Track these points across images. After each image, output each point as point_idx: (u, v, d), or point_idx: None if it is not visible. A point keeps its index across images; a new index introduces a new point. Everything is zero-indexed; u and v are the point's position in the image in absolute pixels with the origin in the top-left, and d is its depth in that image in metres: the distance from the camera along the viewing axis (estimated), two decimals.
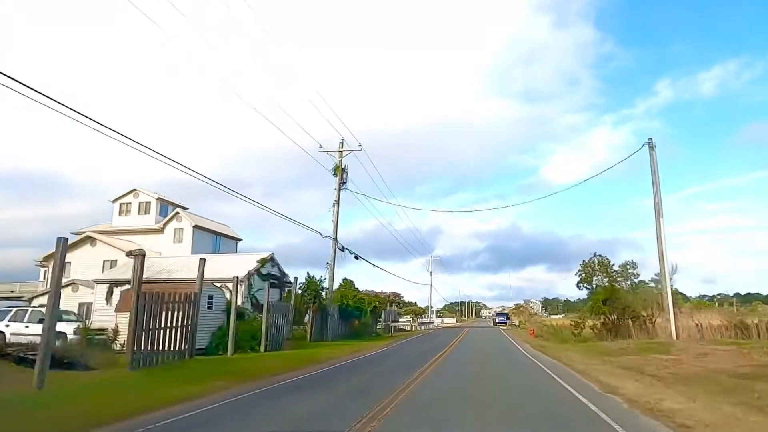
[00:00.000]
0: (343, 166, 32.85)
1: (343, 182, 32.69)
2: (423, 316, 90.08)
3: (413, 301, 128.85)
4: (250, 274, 26.94)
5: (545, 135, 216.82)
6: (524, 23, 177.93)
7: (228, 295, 26.05)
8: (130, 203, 49.40)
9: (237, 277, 20.86)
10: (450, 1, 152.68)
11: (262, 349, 22.69)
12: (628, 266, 29.01)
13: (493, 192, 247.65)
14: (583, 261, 29.94)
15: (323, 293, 29.77)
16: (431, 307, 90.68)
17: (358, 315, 37.80)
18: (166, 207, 47.82)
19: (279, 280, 30.19)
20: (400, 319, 71.84)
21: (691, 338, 26.04)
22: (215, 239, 47.68)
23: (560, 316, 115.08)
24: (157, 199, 48.33)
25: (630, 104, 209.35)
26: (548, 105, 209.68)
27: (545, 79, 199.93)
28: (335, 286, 36.15)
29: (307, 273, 29.55)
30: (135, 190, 49.28)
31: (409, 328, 61.91)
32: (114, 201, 50.00)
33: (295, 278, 27.24)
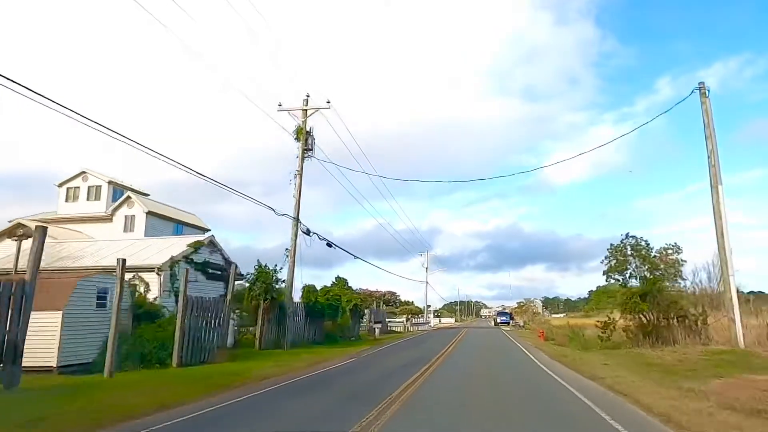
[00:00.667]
0: (308, 129, 26.26)
1: (308, 149, 26.09)
2: (419, 316, 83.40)
3: (410, 301, 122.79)
4: (173, 261, 20.29)
5: (546, 134, 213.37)
6: (525, 22, 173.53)
7: (142, 289, 19.54)
8: (78, 188, 42.83)
9: (121, 260, 14.23)
10: (451, 0, 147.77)
11: (174, 362, 16.17)
12: (668, 250, 22.35)
13: (493, 191, 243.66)
14: (612, 245, 23.27)
15: (278, 287, 23.12)
16: (427, 306, 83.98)
17: (333, 315, 31.24)
18: (120, 192, 41.22)
19: (223, 271, 23.54)
20: (396, 319, 65.49)
21: (761, 344, 19.51)
22: (175, 228, 41.00)
23: (561, 315, 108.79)
24: (108, 182, 41.77)
25: (630, 102, 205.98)
26: (549, 104, 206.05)
27: (546, 78, 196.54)
28: (326, 283, 30.11)
29: (257, 260, 22.94)
30: (84, 172, 42.68)
31: (401, 330, 55.38)
32: (60, 185, 43.15)
33: (233, 265, 20.51)
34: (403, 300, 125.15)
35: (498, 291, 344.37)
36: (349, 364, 18.20)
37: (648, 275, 21.89)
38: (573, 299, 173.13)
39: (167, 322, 17.33)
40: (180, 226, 41.38)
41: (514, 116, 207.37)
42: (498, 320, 77.77)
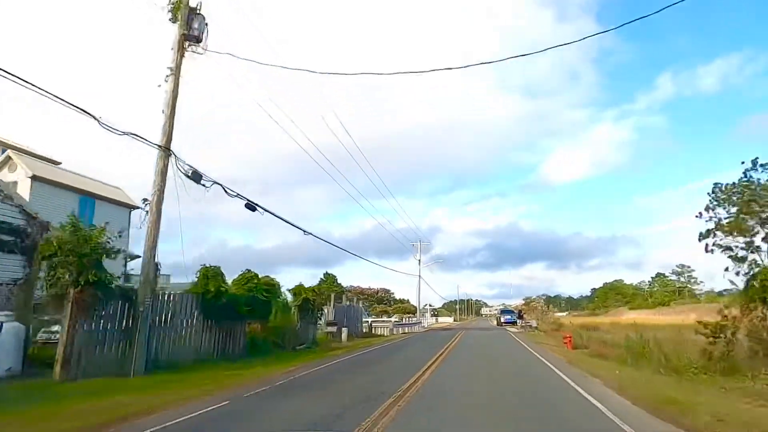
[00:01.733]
0: (193, 5, 15.76)
1: (192, 37, 15.57)
2: (414, 315, 72.90)
3: (406, 299, 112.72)
4: None
5: (546, 131, 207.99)
6: (526, 21, 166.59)
7: None
8: None
9: None
10: (451, 0, 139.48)
11: None
12: None
13: (494, 189, 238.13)
14: (717, 186, 12.59)
15: (108, 259, 12.61)
16: (424, 306, 73.38)
17: (262, 314, 20.73)
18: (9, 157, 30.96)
19: (24, 238, 13.11)
20: (390, 319, 55.35)
21: None
22: (83, 201, 30.63)
23: (564, 314, 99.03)
24: None
25: (631, 99, 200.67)
26: (549, 101, 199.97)
27: (546, 75, 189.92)
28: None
29: (72, 213, 12.48)
30: None
31: (383, 332, 44.82)
32: None
33: None
34: (397, 298, 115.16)
35: (498, 290, 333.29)
36: (180, 424, 7.71)
37: None
38: (575, 297, 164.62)
39: None
40: (90, 200, 31.00)
41: (514, 114, 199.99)
42: (502, 319, 66.93)
